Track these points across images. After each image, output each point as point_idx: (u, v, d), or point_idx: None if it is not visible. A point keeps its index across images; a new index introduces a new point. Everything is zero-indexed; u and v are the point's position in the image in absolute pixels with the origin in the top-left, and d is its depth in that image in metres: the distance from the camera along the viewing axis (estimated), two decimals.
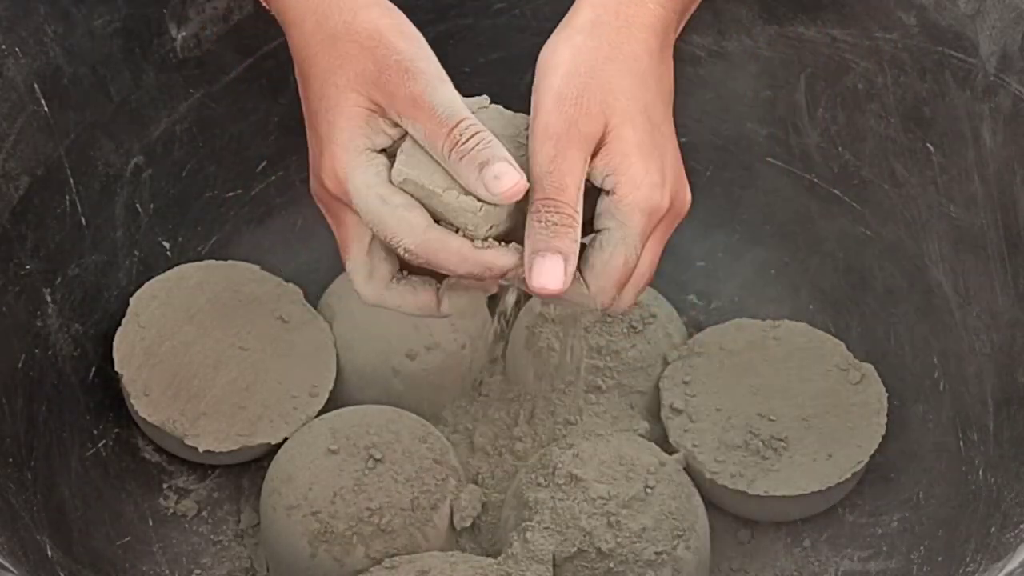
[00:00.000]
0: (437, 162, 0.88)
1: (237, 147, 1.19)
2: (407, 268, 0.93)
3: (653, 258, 0.94)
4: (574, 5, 0.94)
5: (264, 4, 0.97)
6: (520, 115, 0.92)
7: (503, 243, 0.88)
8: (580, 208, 0.87)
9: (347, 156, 0.89)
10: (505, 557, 1.05)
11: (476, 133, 0.86)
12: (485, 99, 0.92)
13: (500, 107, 0.92)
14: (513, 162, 0.85)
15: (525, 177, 0.85)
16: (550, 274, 0.86)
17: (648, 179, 0.90)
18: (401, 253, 0.89)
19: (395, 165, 0.88)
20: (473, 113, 0.88)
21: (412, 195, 0.88)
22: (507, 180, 0.85)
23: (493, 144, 0.86)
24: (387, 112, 0.89)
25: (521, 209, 0.88)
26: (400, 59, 0.88)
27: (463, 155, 0.86)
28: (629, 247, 0.89)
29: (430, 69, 0.88)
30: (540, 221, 0.86)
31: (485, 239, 0.88)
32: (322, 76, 0.90)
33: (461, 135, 0.86)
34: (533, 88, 0.91)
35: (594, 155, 0.89)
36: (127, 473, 1.12)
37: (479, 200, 0.87)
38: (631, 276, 0.91)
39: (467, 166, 0.86)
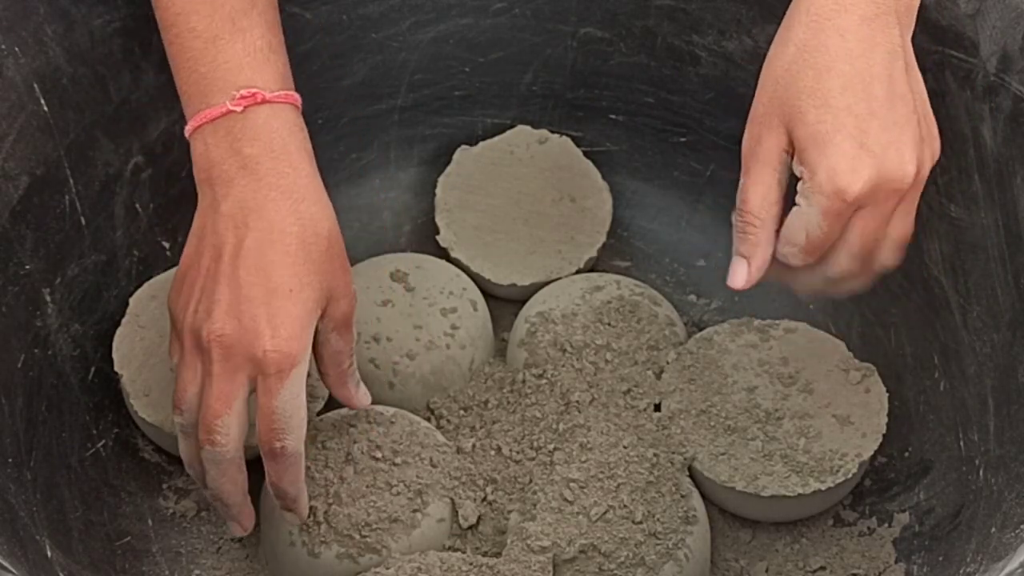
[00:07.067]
0: None
1: None
2: None
3: (868, 231, 0.98)
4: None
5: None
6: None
7: None
8: (766, 216, 0.99)
9: (303, 350, 0.98)
10: (506, 557, 1.05)
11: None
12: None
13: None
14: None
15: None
16: (733, 274, 1.01)
17: (825, 163, 0.96)
18: (276, 444, 0.99)
19: None
20: None
21: None
22: (370, 396, 1.08)
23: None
24: (322, 319, 1.01)
25: None
26: (354, 291, 1.03)
27: (352, 374, 1.05)
28: (810, 223, 0.97)
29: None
30: (735, 228, 1.00)
31: None
32: (311, 266, 0.98)
33: (355, 359, 1.05)
34: None
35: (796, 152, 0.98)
36: (127, 473, 1.12)
37: None
38: (822, 244, 0.98)
39: (352, 381, 1.06)
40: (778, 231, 1.00)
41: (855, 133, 0.95)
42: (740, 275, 1.00)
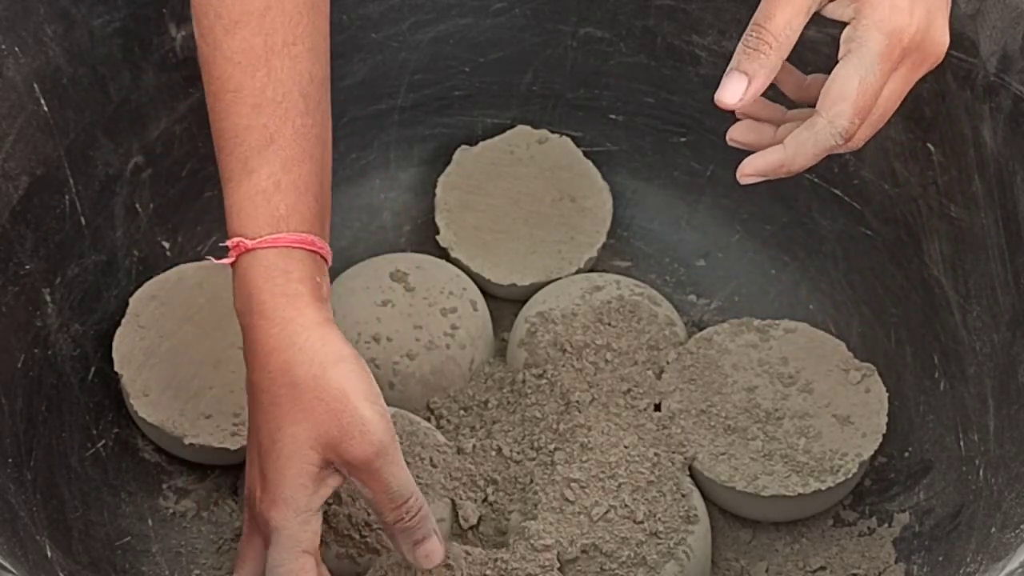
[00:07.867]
0: None
1: None
2: None
3: (892, 95, 0.94)
4: None
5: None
6: None
7: None
8: (785, 41, 0.91)
9: (285, 512, 0.94)
10: (508, 558, 1.04)
11: (419, 511, 0.96)
12: None
13: None
14: (440, 537, 0.97)
15: (444, 551, 0.98)
16: (727, 88, 0.92)
17: (888, 1, 0.91)
18: None
19: None
20: None
21: None
22: (435, 558, 0.97)
23: (428, 520, 0.97)
24: (339, 468, 0.95)
25: None
26: (364, 430, 0.93)
27: (404, 529, 0.96)
28: (865, 67, 0.91)
29: (391, 442, 0.94)
30: (742, 44, 0.92)
31: None
32: (280, 421, 0.94)
33: (407, 513, 0.95)
34: None
35: None
36: (127, 473, 1.12)
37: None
38: (873, 98, 0.92)
39: (405, 539, 0.96)
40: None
41: None
42: (736, 90, 0.92)
